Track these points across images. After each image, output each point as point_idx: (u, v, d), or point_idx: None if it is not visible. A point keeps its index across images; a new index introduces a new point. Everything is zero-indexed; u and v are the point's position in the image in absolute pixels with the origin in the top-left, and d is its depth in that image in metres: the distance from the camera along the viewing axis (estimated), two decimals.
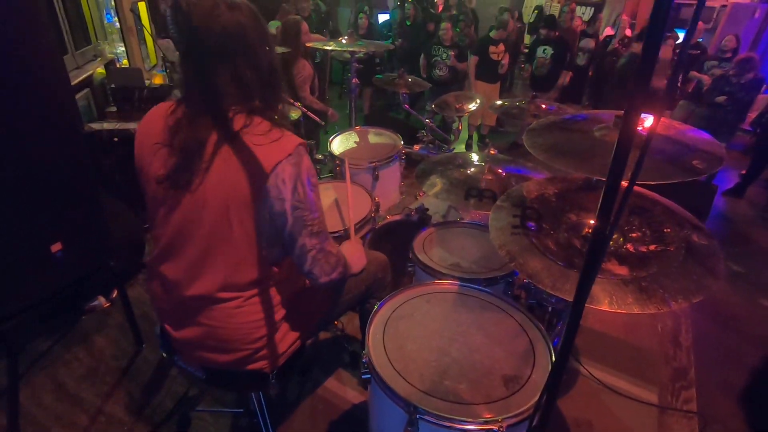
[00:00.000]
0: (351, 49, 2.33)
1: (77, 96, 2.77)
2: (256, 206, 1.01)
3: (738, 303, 2.76)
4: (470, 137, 5.25)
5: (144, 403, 1.84)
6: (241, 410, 1.79)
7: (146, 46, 4.21)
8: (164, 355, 1.29)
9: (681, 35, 5.45)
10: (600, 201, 0.62)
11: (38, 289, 1.59)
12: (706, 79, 4.50)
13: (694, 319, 2.41)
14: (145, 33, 4.02)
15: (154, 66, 4.33)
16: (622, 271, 1.07)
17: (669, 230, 1.20)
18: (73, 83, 2.66)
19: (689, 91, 4.82)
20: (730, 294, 2.82)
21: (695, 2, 0.70)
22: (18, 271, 1.49)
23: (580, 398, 1.91)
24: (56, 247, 1.57)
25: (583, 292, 0.69)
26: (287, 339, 1.22)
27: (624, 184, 0.60)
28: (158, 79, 3.74)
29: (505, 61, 4.55)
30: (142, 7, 5.62)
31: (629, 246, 1.18)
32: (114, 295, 2.31)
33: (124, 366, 2.00)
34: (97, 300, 2.28)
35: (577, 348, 2.16)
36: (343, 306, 1.42)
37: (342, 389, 1.92)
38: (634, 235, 1.19)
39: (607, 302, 0.99)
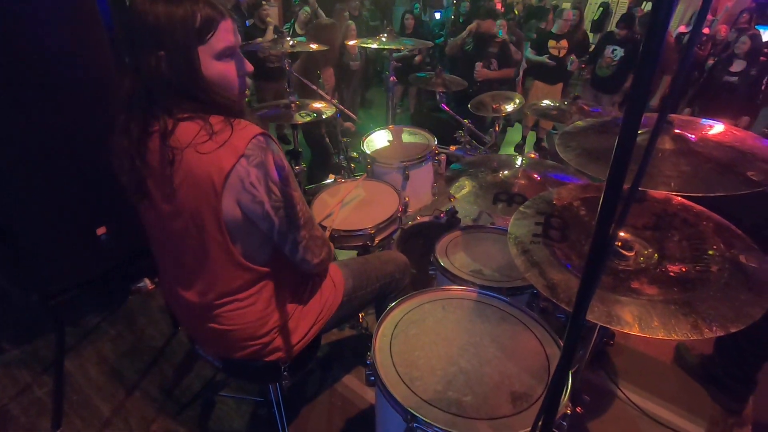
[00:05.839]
0: (388, 47, 2.31)
1: None
2: (222, 219, 0.95)
3: None
4: (523, 140, 5.04)
5: (174, 383, 1.94)
6: (262, 399, 1.84)
7: None
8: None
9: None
10: (599, 206, 0.55)
11: (85, 269, 1.73)
12: None
13: None
14: None
15: None
16: (652, 291, 0.97)
17: (715, 247, 1.07)
18: None
19: None
20: None
21: None
22: (66, 252, 1.63)
23: (615, 424, 1.77)
24: (101, 231, 1.69)
25: (583, 303, 0.63)
26: (298, 331, 1.23)
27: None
28: None
29: (574, 63, 4.30)
30: None
31: (666, 265, 1.06)
32: (158, 278, 2.46)
33: (161, 346, 2.12)
34: (143, 282, 2.44)
35: (615, 369, 2.00)
36: (356, 302, 1.41)
37: (361, 388, 1.92)
38: (671, 252, 1.08)
39: (637, 326, 0.89)
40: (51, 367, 1.94)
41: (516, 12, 6.32)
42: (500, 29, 4.31)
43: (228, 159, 0.90)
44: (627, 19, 4.39)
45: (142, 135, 0.93)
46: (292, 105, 2.16)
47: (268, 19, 4.39)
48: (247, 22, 4.59)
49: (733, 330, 0.84)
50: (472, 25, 3.92)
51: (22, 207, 1.53)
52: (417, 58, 5.17)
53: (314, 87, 2.35)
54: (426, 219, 2.04)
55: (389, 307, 1.30)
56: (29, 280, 1.65)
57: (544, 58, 4.35)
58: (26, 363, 1.98)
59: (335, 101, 2.29)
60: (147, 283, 2.46)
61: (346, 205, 1.87)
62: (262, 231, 1.02)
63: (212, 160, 0.90)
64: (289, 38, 2.17)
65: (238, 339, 1.14)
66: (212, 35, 0.92)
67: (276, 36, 2.21)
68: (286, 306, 1.19)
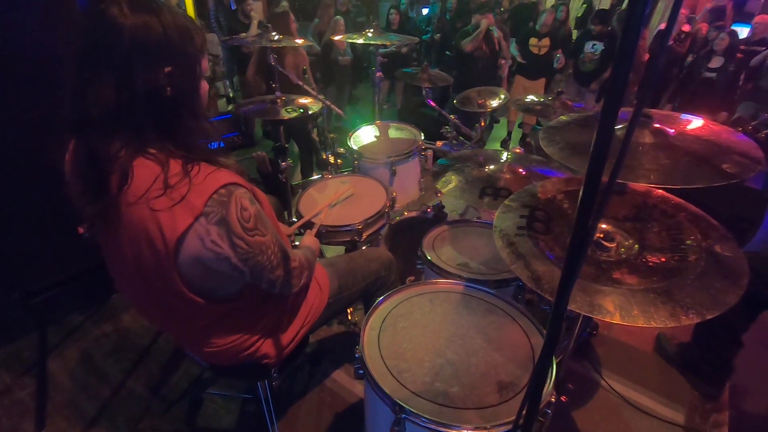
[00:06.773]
0: (373, 43, 2.31)
1: None
2: (177, 275, 0.88)
3: None
4: (508, 135, 5.09)
5: (161, 381, 1.92)
6: (250, 396, 1.84)
7: None
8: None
9: (745, 30, 5.02)
10: (579, 198, 0.57)
11: (67, 267, 1.70)
12: None
13: None
14: None
15: None
16: (632, 280, 1.00)
17: (693, 237, 1.10)
18: None
19: (749, 90, 4.43)
20: None
21: None
22: (47, 249, 1.60)
23: (598, 412, 1.81)
24: (83, 229, 1.66)
25: (564, 291, 0.64)
26: (286, 337, 1.23)
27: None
28: None
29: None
30: (189, 3, 5.86)
31: (646, 255, 1.09)
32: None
33: (147, 344, 2.10)
34: None
35: (599, 359, 2.05)
36: (342, 302, 1.42)
37: (350, 382, 1.93)
38: (650, 243, 1.11)
39: (618, 314, 0.92)
40: (33, 368, 1.90)
41: (502, 9, 6.36)
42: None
43: (183, 219, 0.82)
44: (600, 15, 4.49)
45: (108, 161, 0.82)
46: (278, 101, 2.14)
47: (252, 14, 4.34)
48: (232, 4, 4.50)
49: (709, 317, 0.88)
50: (486, 20, 4.02)
51: (1, 203, 1.50)
52: (404, 49, 5.18)
53: (300, 82, 2.34)
54: (413, 214, 2.05)
55: (377, 301, 1.31)
56: (9, 279, 1.62)
57: (517, 57, 4.47)
58: (7, 364, 1.94)
59: (321, 96, 2.28)
60: None
61: (335, 205, 1.87)
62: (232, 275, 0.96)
63: (165, 219, 0.82)
64: (274, 33, 2.15)
65: (230, 355, 1.13)
66: (203, 53, 0.90)
67: (260, 31, 2.19)
68: (273, 316, 1.18)
